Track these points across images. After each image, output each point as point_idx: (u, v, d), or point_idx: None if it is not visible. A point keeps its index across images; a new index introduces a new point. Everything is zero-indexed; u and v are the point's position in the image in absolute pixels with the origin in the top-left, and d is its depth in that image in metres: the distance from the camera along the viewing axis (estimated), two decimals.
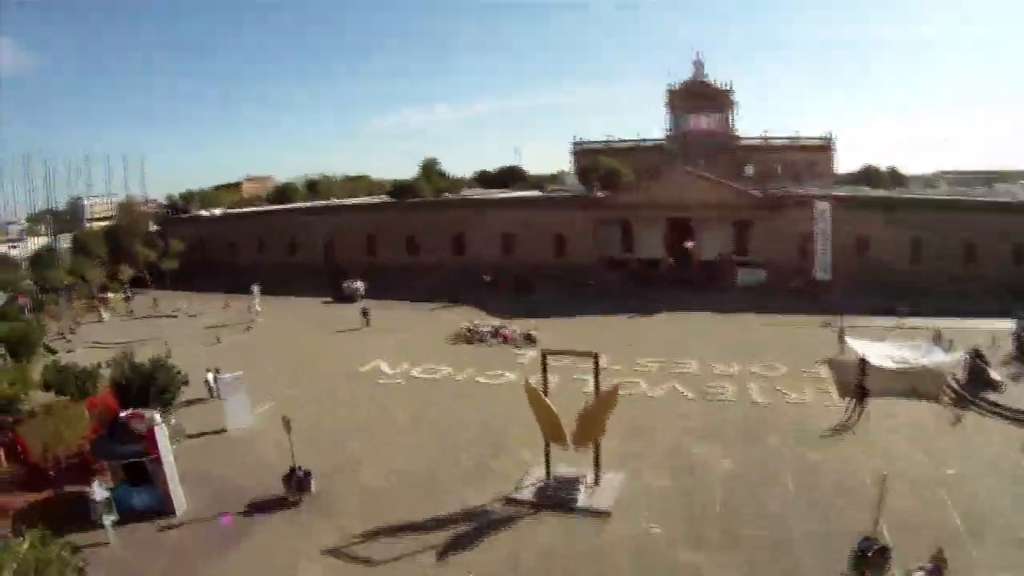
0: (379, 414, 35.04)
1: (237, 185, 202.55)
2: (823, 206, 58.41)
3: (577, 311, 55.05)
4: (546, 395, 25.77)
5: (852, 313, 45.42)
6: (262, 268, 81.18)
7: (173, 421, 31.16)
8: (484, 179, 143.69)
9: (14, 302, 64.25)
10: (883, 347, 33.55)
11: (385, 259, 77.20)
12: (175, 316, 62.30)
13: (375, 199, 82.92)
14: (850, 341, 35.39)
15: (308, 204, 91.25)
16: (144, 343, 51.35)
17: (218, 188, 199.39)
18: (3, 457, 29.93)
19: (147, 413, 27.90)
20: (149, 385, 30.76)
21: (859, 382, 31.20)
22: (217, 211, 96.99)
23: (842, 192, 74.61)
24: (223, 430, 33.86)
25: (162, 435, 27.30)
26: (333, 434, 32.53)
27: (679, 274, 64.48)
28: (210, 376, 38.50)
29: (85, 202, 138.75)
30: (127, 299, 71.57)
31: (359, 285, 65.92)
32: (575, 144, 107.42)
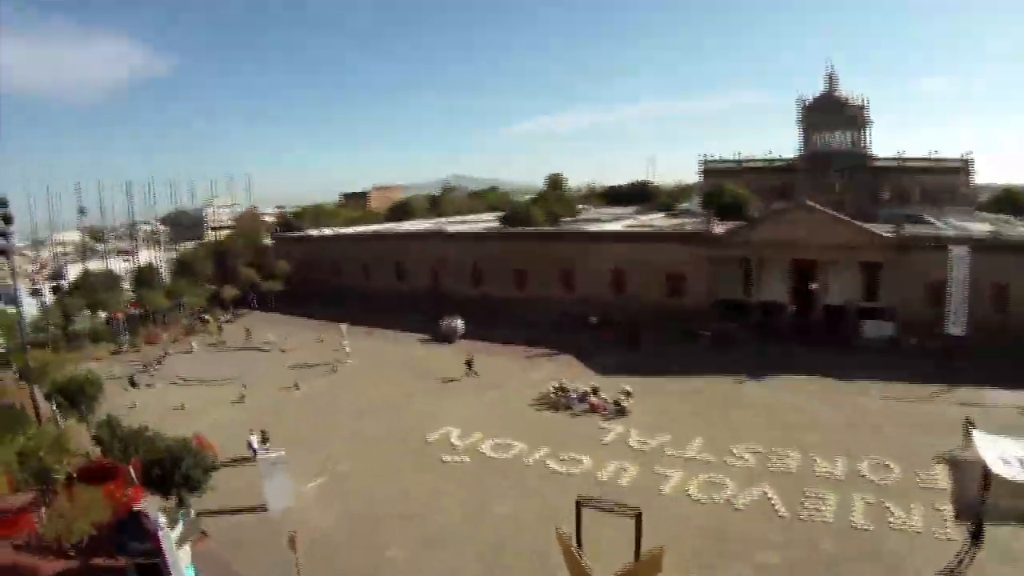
0: (431, 506, 30.78)
1: (364, 195, 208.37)
2: (960, 251, 49.01)
3: (683, 368, 48.62)
4: (580, 544, 20.41)
5: (990, 383, 40.25)
6: (368, 294, 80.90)
7: (192, 515, 28.24)
8: (613, 196, 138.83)
9: (110, 323, 66.44)
10: (1016, 446, 23.53)
11: (492, 291, 73.97)
12: (266, 350, 61.49)
13: (482, 227, 79.28)
14: (977, 437, 23.32)
15: (414, 228, 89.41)
16: (224, 383, 50.90)
17: (347, 197, 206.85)
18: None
19: (152, 513, 25.24)
20: (175, 469, 28.13)
21: (980, 499, 22.31)
22: (327, 231, 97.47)
23: (984, 226, 64.33)
24: (263, 508, 30.95)
25: (167, 539, 24.42)
26: (374, 531, 28.84)
27: (800, 323, 56.65)
28: (253, 439, 36.64)
29: (206, 210, 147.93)
30: (225, 324, 73.11)
31: (458, 325, 62.53)
32: (704, 162, 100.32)
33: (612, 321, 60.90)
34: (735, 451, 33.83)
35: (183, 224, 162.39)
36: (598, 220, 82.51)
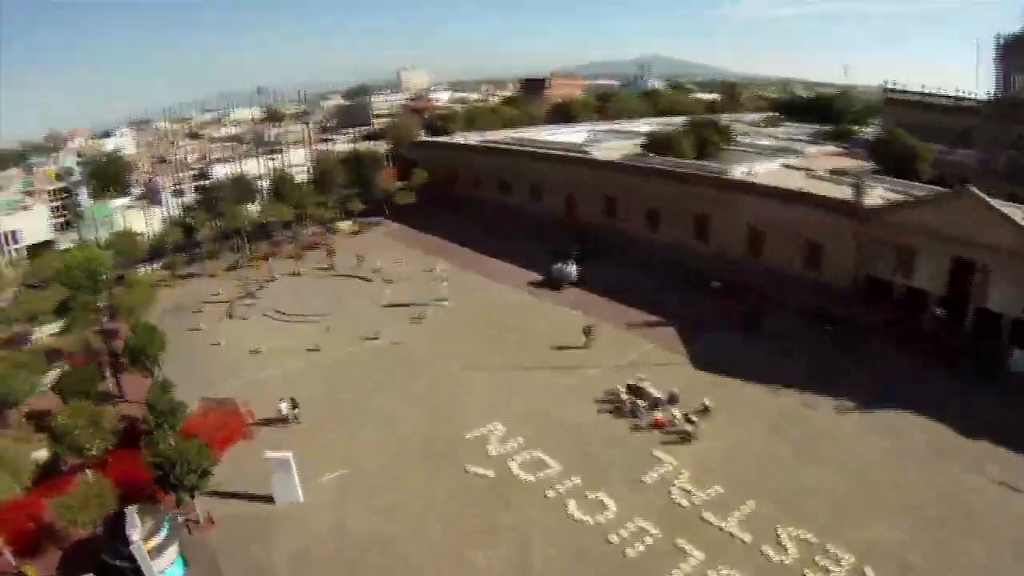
0: (414, 530, 29.64)
1: (541, 84, 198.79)
2: None
3: (789, 375, 41.24)
4: None
5: None
6: (505, 211, 78.93)
7: (177, 518, 29.12)
8: (791, 108, 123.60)
9: (231, 237, 69.55)
10: None
11: (625, 227, 68.75)
12: (369, 280, 61.78)
13: (619, 156, 72.30)
14: None
15: (556, 142, 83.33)
16: (313, 321, 52.10)
17: (526, 85, 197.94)
18: None
19: (129, 528, 26.32)
20: (174, 467, 28.88)
21: None
22: (473, 137, 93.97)
23: None
24: (270, 499, 31.90)
25: (139, 551, 25.81)
26: (371, 547, 28.70)
27: (944, 327, 45.92)
28: (283, 406, 38.37)
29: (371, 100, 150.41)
30: (351, 234, 73.96)
31: (570, 271, 58.36)
32: (887, 91, 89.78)
33: (736, 289, 53.86)
34: (781, 535, 28.01)
35: (351, 112, 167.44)
36: (757, 153, 71.92)
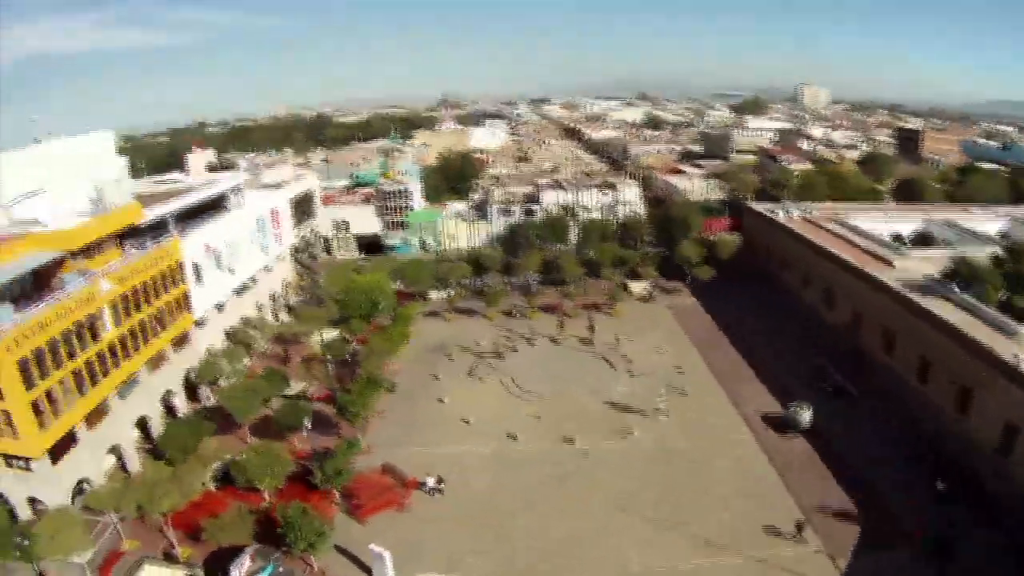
0: None
1: (914, 135, 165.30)
2: None
3: None
4: None
5: None
6: (795, 310, 72.22)
7: (280, 566, 36.59)
8: None
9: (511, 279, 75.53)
10: None
11: (896, 370, 55.38)
12: (615, 368, 61.90)
13: (918, 276, 57.38)
14: None
15: (840, 252, 67.51)
16: (537, 400, 55.72)
17: (899, 133, 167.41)
18: None
19: (235, 566, 35.57)
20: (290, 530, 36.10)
21: None
22: (794, 213, 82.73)
23: None
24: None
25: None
26: None
27: None
28: (430, 480, 44.42)
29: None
30: (638, 298, 75.11)
31: (805, 417, 50.70)
32: None
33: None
34: None
35: (711, 141, 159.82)
36: None
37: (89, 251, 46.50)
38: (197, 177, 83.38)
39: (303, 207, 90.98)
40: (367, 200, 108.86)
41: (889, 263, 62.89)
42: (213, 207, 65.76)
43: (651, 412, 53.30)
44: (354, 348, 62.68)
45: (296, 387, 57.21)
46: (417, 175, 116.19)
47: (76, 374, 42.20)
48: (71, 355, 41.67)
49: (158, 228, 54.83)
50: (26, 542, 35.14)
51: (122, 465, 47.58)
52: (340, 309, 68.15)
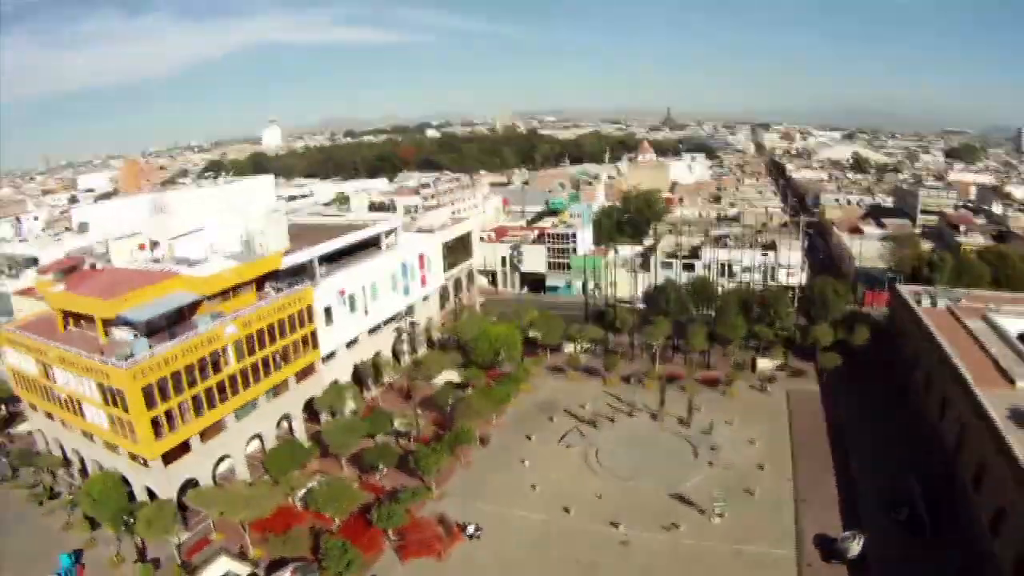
0: None
1: None
2: None
3: None
4: None
5: None
6: (914, 408, 65.77)
7: None
8: None
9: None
10: None
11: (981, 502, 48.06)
12: (697, 455, 61.50)
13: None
14: None
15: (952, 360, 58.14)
16: (600, 473, 57.58)
17: None
18: None
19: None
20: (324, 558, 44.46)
21: None
22: (943, 301, 73.75)
23: None
24: None
25: None
26: None
27: None
28: (471, 528, 50.60)
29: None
30: (763, 381, 74.16)
31: (854, 547, 46.83)
32: None
33: None
34: None
35: (900, 196, 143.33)
36: None
37: (225, 293, 56.77)
38: (359, 213, 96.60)
39: (460, 246, 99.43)
40: (540, 237, 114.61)
41: (1011, 381, 53.40)
42: (364, 246, 75.21)
43: (708, 510, 52.76)
44: (457, 396, 68.08)
45: (402, 425, 64.49)
46: (588, 218, 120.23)
47: (195, 399, 52.37)
48: (191, 384, 51.82)
49: (302, 268, 65.02)
50: (132, 521, 47.28)
51: (232, 472, 57.82)
52: (464, 355, 74.40)
